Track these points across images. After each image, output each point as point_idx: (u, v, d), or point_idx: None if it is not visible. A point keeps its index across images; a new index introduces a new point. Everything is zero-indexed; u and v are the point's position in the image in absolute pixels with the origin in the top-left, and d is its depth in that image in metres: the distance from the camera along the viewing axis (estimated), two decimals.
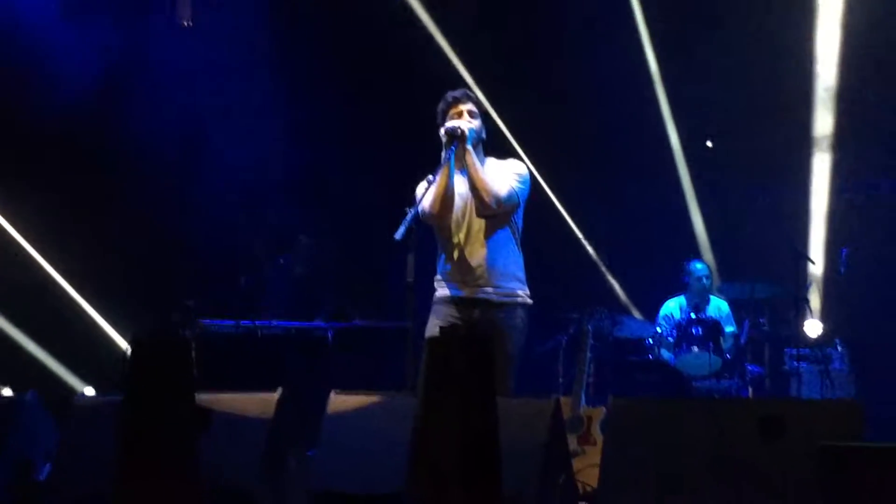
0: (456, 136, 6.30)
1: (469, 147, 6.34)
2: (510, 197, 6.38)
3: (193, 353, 6.27)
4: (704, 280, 10.13)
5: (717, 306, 10.18)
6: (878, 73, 10.60)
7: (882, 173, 10.67)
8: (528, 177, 6.57)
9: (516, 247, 6.47)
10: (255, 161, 11.13)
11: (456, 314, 6.34)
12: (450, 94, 6.57)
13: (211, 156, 10.96)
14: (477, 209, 6.38)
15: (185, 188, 10.84)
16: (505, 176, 6.44)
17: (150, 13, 11.08)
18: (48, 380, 10.65)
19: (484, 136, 6.55)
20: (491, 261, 6.35)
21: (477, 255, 6.37)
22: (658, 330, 9.95)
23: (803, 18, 10.88)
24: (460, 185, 6.43)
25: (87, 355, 10.71)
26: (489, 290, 6.35)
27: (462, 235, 6.39)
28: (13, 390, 8.93)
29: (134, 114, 10.62)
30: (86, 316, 11.09)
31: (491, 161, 6.56)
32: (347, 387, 6.10)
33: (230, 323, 9.34)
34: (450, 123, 6.36)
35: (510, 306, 6.36)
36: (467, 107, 6.49)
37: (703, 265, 10.29)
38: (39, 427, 6.66)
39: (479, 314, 6.32)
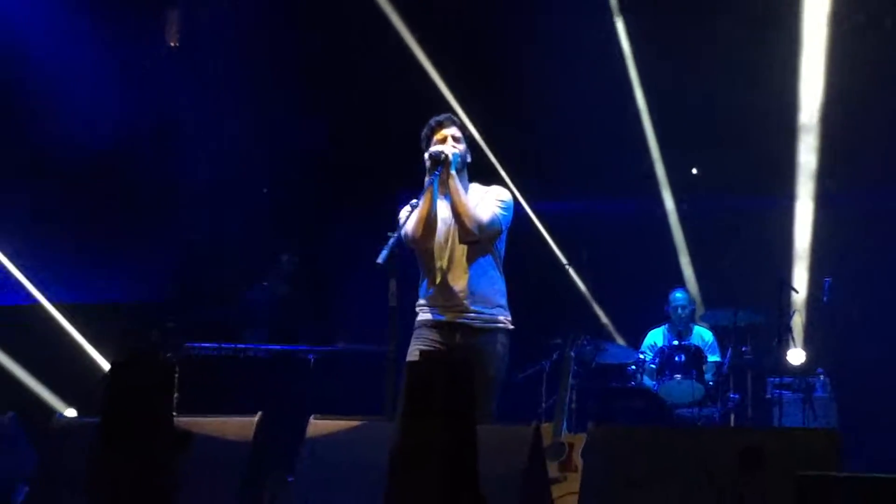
0: (439, 161, 6.29)
1: (452, 172, 6.33)
2: (492, 223, 6.37)
3: (175, 376, 6.25)
4: (681, 311, 10.16)
5: (700, 335, 10.19)
6: (861, 104, 10.63)
7: (865, 202, 10.69)
8: (512, 203, 6.57)
9: (498, 273, 6.46)
10: (240, 182, 11.14)
11: (437, 339, 6.32)
12: (433, 119, 6.55)
13: (195, 175, 10.98)
14: (459, 235, 6.37)
15: (168, 210, 10.84)
16: (488, 202, 6.43)
17: (140, 38, 11.12)
18: (30, 401, 10.62)
19: (468, 160, 6.55)
20: (473, 286, 6.35)
21: (459, 280, 6.36)
22: (641, 356, 9.97)
23: (790, 44, 10.91)
24: (443, 211, 6.42)
25: (69, 377, 10.69)
26: (471, 315, 6.33)
27: (444, 261, 6.38)
28: None
29: (120, 137, 10.64)
30: (69, 337, 11.06)
31: (475, 187, 6.55)
32: (328, 411, 6.09)
33: (213, 345, 9.33)
34: (433, 148, 6.35)
35: (491, 332, 6.35)
36: (451, 131, 6.48)
37: (684, 294, 10.31)
38: (18, 449, 6.64)
39: (460, 339, 6.30)
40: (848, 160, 10.82)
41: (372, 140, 11.08)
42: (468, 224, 6.29)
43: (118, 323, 10.53)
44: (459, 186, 6.34)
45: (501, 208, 6.44)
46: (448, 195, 6.38)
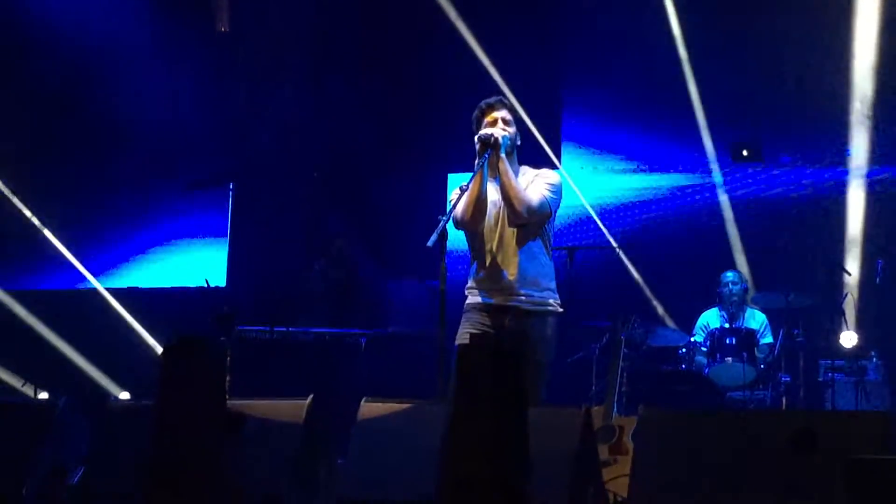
0: (489, 144, 6.29)
1: (502, 155, 6.33)
2: (542, 206, 6.37)
3: (228, 359, 6.30)
4: (732, 286, 10.10)
5: (753, 316, 10.14)
6: None
7: None
8: (561, 186, 6.56)
9: (547, 255, 6.46)
10: (293, 168, 11.19)
11: (487, 322, 6.34)
12: (484, 102, 6.55)
13: (246, 161, 11.06)
14: (509, 218, 6.37)
15: (218, 194, 10.92)
16: (537, 185, 6.43)
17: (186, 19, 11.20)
18: (85, 384, 10.74)
19: (519, 143, 6.55)
20: (522, 269, 6.35)
21: (508, 263, 6.37)
22: (693, 339, 9.93)
23: (840, 33, 10.80)
24: (493, 194, 6.43)
25: (123, 360, 10.80)
26: (520, 298, 6.34)
27: (494, 244, 6.39)
28: (50, 394, 9.02)
29: (177, 119, 10.73)
30: (123, 321, 11.18)
31: (525, 169, 6.56)
32: (379, 393, 6.11)
33: (265, 329, 9.38)
34: (483, 131, 6.36)
35: (541, 314, 6.35)
36: (501, 114, 6.47)
37: (734, 273, 10.27)
38: (72, 431, 6.72)
39: (509, 322, 6.31)
40: None
41: (423, 124, 11.08)
42: (518, 207, 6.30)
43: (172, 307, 10.62)
44: (509, 169, 6.35)
45: (551, 191, 6.44)
46: (498, 178, 6.40)
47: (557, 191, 6.49)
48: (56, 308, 10.95)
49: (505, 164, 6.33)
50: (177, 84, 11.06)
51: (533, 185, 6.42)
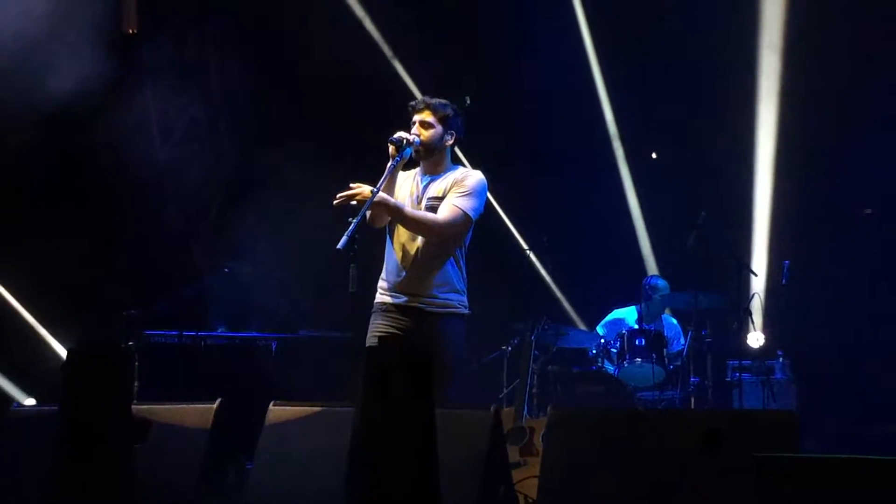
0: (400, 146, 6.29)
1: (382, 197, 6.17)
2: (455, 221, 6.29)
3: (136, 364, 6.21)
4: (663, 298, 10.17)
5: (669, 324, 10.24)
6: (818, 80, 10.66)
7: (820, 187, 10.74)
8: (482, 188, 6.44)
9: (459, 257, 6.42)
10: (200, 169, 11.09)
11: (393, 323, 6.33)
12: (410, 103, 6.54)
13: (154, 164, 10.92)
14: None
15: (128, 198, 10.77)
16: (449, 199, 6.35)
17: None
18: None
19: (448, 142, 6.47)
20: (430, 270, 6.33)
21: (417, 264, 6.34)
22: (601, 336, 9.99)
23: (746, 27, 10.92)
24: (405, 193, 6.43)
25: (28, 366, 10.62)
26: (426, 299, 6.32)
27: (403, 244, 6.37)
28: None
29: (73, 121, 10.55)
30: (27, 326, 10.99)
31: (458, 172, 6.50)
32: (291, 397, 6.09)
33: (173, 333, 9.29)
34: (397, 134, 6.34)
35: (446, 316, 6.32)
36: (420, 116, 6.44)
37: (665, 283, 10.34)
38: None
39: (414, 323, 6.29)
40: (805, 144, 10.84)
41: (338, 125, 11.03)
42: (428, 235, 6.30)
43: (78, 310, 10.46)
44: (393, 205, 6.26)
45: (466, 199, 6.34)
46: (423, 174, 6.45)
47: (475, 193, 6.39)
48: None
49: (392, 204, 6.25)
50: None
51: (445, 200, 6.39)
